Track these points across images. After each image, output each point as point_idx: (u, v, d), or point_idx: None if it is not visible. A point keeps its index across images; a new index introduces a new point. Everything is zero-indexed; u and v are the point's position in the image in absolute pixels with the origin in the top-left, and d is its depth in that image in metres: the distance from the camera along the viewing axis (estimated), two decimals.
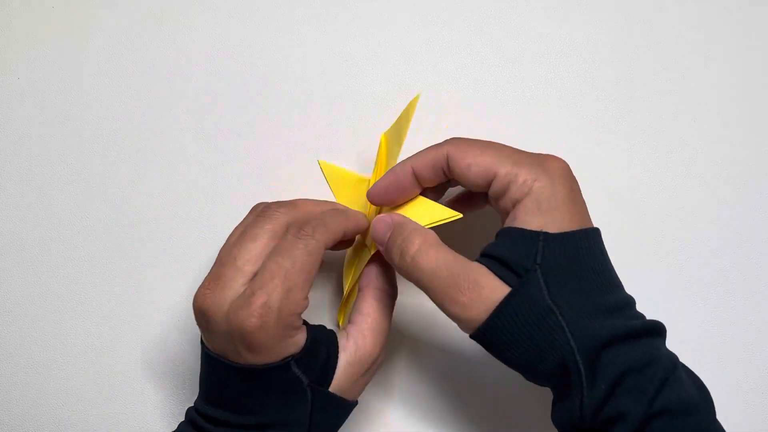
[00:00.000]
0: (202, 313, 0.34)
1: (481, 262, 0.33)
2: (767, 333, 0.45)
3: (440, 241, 0.35)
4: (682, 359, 0.43)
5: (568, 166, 0.34)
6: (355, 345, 0.36)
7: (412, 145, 0.46)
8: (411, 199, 0.38)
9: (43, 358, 0.44)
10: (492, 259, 0.33)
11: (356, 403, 0.37)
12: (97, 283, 0.45)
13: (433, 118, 0.46)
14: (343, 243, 0.40)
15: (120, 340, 0.44)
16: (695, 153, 0.46)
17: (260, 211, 0.36)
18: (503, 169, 0.34)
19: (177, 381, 0.44)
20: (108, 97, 0.47)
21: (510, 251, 0.32)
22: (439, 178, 0.37)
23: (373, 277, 0.38)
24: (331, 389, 0.35)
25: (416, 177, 0.37)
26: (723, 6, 0.48)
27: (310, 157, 0.46)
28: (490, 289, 0.32)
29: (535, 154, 0.35)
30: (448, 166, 0.36)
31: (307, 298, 0.34)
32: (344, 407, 0.36)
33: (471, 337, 0.33)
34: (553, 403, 0.33)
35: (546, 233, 0.32)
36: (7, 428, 0.44)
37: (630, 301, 0.33)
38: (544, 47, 0.47)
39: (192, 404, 0.37)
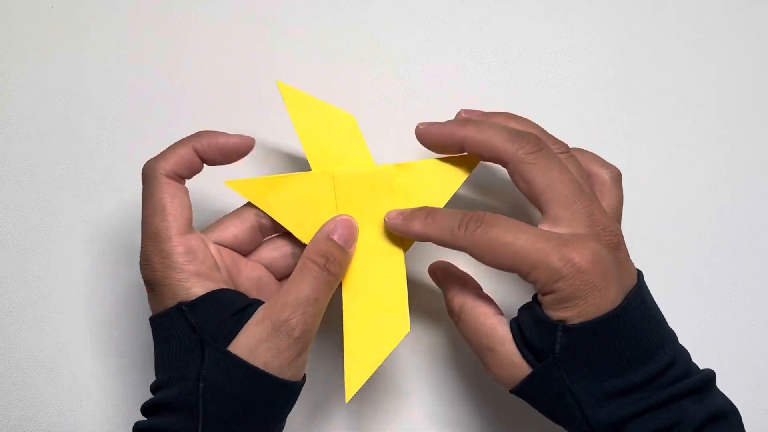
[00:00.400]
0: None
1: (512, 330, 0.35)
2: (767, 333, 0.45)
3: (480, 293, 0.37)
4: None
5: (592, 254, 0.32)
6: (266, 306, 0.34)
7: (414, 140, 0.46)
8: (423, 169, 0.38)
9: (43, 358, 0.44)
10: (521, 333, 0.34)
11: (283, 381, 0.33)
12: (99, 282, 0.45)
13: (433, 118, 0.46)
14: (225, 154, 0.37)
15: (122, 339, 0.44)
16: (695, 153, 0.46)
17: (147, 175, 0.37)
18: (523, 272, 0.33)
19: None
20: (108, 97, 0.47)
21: (532, 334, 0.33)
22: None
23: (309, 248, 0.36)
24: (230, 348, 0.33)
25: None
26: (723, 6, 0.48)
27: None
28: (510, 366, 0.34)
29: (557, 246, 0.32)
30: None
31: (185, 229, 0.35)
32: (256, 376, 0.32)
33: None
34: None
35: (564, 325, 0.32)
36: (6, 428, 0.44)
37: (664, 366, 0.33)
38: (544, 47, 0.47)
39: None
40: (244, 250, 0.38)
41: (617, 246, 0.34)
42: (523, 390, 0.34)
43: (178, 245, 0.34)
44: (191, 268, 0.34)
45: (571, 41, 0.47)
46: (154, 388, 0.35)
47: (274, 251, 0.39)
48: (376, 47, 0.47)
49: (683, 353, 0.34)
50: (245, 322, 0.33)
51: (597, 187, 0.38)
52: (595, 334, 0.32)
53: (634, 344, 0.32)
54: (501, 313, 0.36)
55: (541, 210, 0.34)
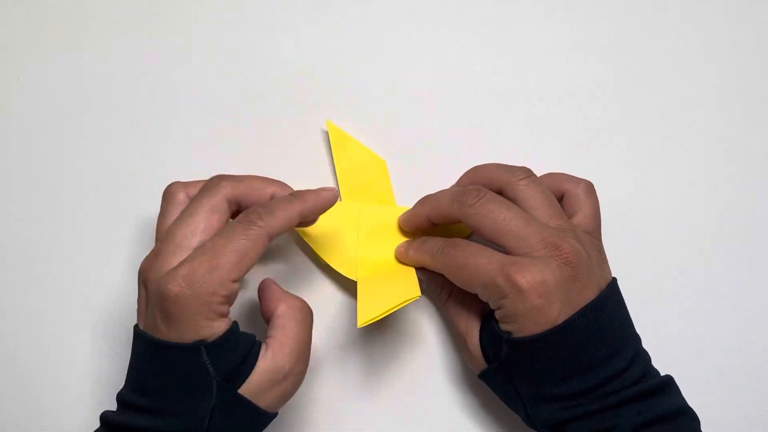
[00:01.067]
0: (141, 281, 0.36)
1: (481, 329, 0.39)
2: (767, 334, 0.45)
3: (460, 301, 0.41)
4: (681, 361, 0.44)
5: (535, 275, 0.34)
6: (272, 352, 0.36)
7: (415, 140, 0.46)
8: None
9: (44, 358, 0.44)
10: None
11: (274, 414, 0.37)
12: (100, 283, 0.45)
13: (434, 117, 0.46)
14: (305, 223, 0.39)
15: (124, 339, 0.44)
16: (695, 153, 0.46)
17: (204, 185, 0.38)
18: (477, 290, 0.37)
19: None
20: (108, 97, 0.47)
21: (487, 340, 0.38)
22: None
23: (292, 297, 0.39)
24: (241, 391, 0.35)
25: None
26: (723, 6, 0.48)
27: (308, 158, 0.46)
28: (477, 359, 0.39)
29: (504, 266, 0.35)
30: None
31: (236, 283, 0.34)
32: (255, 414, 0.35)
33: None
34: None
35: (508, 338, 0.36)
36: (6, 428, 0.44)
37: (609, 376, 0.35)
38: (544, 47, 0.47)
39: None
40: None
41: (574, 265, 0.35)
42: (483, 378, 0.39)
43: (227, 290, 0.34)
44: (223, 310, 0.35)
45: (571, 41, 0.47)
46: (145, 408, 0.34)
47: None
48: (376, 47, 0.47)
49: (639, 363, 0.36)
50: (252, 364, 0.35)
51: (571, 201, 0.40)
52: (534, 348, 0.35)
53: (574, 358, 0.35)
54: (484, 306, 0.39)
55: (502, 246, 0.37)
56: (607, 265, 0.38)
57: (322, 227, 0.42)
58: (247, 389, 0.35)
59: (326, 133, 0.45)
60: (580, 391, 0.35)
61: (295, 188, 0.40)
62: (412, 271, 0.41)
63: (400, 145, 0.46)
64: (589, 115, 0.47)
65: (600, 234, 0.40)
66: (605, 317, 0.36)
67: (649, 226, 0.46)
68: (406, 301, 0.37)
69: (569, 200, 0.40)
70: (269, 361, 0.36)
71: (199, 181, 0.39)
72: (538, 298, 0.34)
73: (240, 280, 0.35)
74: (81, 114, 0.47)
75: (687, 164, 0.46)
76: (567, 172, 0.41)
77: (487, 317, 0.38)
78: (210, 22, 0.47)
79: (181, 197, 0.38)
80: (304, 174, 0.45)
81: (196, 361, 0.34)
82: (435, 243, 0.40)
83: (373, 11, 0.48)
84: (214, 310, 0.34)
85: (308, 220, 0.38)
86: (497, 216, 0.37)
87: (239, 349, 0.35)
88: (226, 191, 0.37)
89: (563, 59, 0.47)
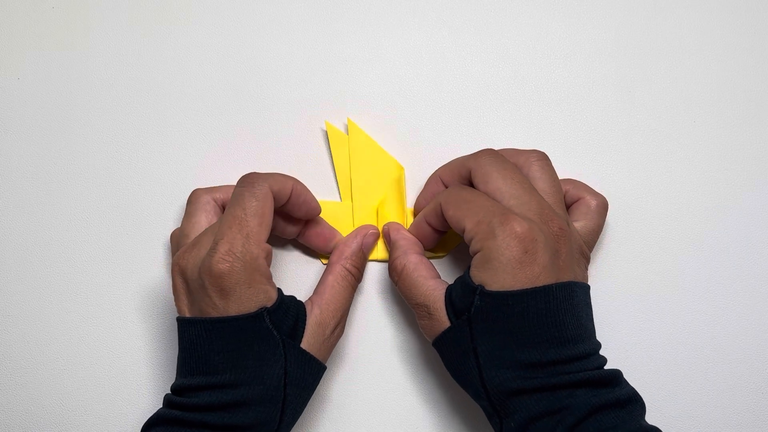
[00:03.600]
0: (180, 272, 0.37)
1: (446, 294, 0.38)
2: (767, 334, 0.45)
3: (422, 258, 0.41)
4: (680, 361, 0.44)
5: (530, 230, 0.35)
6: (319, 308, 0.39)
7: (415, 140, 0.46)
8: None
9: (43, 358, 0.44)
10: (450, 296, 0.38)
11: (326, 367, 0.39)
12: (100, 282, 0.45)
13: (433, 117, 0.46)
14: (299, 211, 0.41)
15: (123, 339, 0.44)
16: (695, 154, 0.46)
17: (243, 181, 0.38)
18: (468, 225, 0.37)
19: None
20: (108, 97, 0.47)
21: (457, 296, 0.37)
22: (445, 224, 0.41)
23: (344, 256, 0.42)
24: (303, 345, 0.38)
25: (432, 227, 0.41)
26: (723, 6, 0.48)
27: (308, 158, 0.46)
28: (438, 323, 0.38)
29: (505, 212, 0.36)
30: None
31: (267, 244, 0.37)
32: (317, 367, 0.38)
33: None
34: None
35: (482, 289, 0.35)
36: (6, 428, 0.44)
37: (573, 356, 0.35)
38: (544, 47, 0.47)
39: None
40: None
41: (561, 243, 0.36)
42: (438, 343, 0.38)
43: (264, 251, 0.37)
44: (269, 273, 0.37)
45: (571, 41, 0.47)
46: (216, 385, 0.36)
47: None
48: (376, 47, 0.47)
49: (599, 357, 0.36)
50: (303, 324, 0.38)
51: (582, 209, 0.41)
52: (508, 304, 0.35)
53: (544, 326, 0.35)
54: (439, 277, 0.40)
55: (503, 202, 0.37)
56: (587, 273, 0.39)
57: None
58: (306, 345, 0.38)
59: (327, 133, 0.46)
60: (542, 362, 0.34)
61: None
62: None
63: (400, 145, 0.46)
64: (589, 115, 0.47)
65: (590, 249, 0.41)
66: (579, 303, 0.36)
67: (649, 226, 0.46)
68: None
69: (580, 207, 0.41)
70: (317, 316, 0.39)
71: (224, 186, 0.42)
72: (525, 252, 0.35)
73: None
74: (81, 114, 0.47)
75: (687, 165, 0.46)
76: (587, 184, 0.42)
77: (457, 279, 0.38)
78: (210, 21, 0.47)
79: (206, 199, 0.41)
80: (304, 175, 0.45)
81: (262, 327, 0.36)
82: (445, 189, 0.40)
83: (373, 12, 0.48)
84: (264, 273, 0.37)
85: (292, 201, 0.40)
86: (508, 173, 0.38)
87: (291, 310, 0.38)
88: (266, 186, 0.38)
89: (563, 59, 0.47)
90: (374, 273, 0.45)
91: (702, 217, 0.46)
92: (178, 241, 0.40)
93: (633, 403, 0.35)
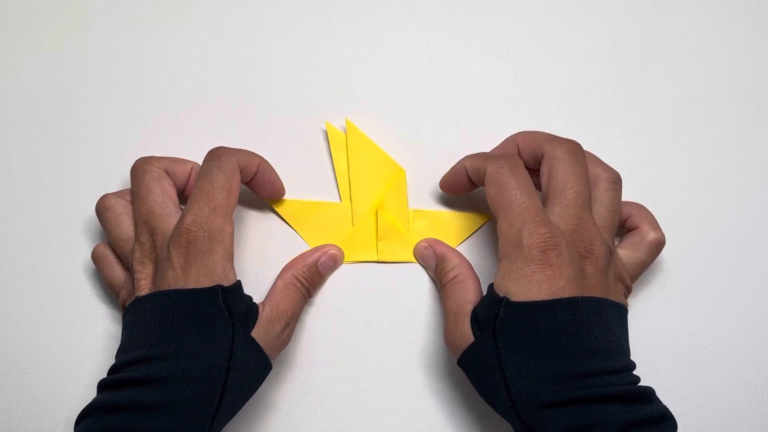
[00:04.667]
0: (151, 238, 0.38)
1: (473, 310, 0.38)
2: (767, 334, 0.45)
3: (466, 279, 0.40)
4: (679, 361, 0.44)
5: (555, 240, 0.35)
6: (270, 308, 0.39)
7: (415, 141, 0.46)
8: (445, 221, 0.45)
9: (43, 358, 0.44)
10: (476, 311, 0.38)
11: (271, 366, 0.39)
12: (100, 282, 0.45)
13: (433, 117, 0.46)
14: (266, 186, 0.42)
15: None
16: (695, 154, 0.46)
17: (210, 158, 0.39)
18: (501, 222, 0.36)
19: None
20: (108, 97, 0.47)
21: (482, 310, 0.37)
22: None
23: (297, 266, 0.42)
24: (252, 335, 0.37)
25: (469, 178, 0.41)
26: (723, 6, 0.48)
27: (308, 158, 0.46)
28: (464, 338, 0.37)
29: (537, 221, 0.35)
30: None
31: (231, 217, 0.38)
32: (263, 360, 0.38)
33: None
34: None
35: (507, 300, 0.35)
36: (6, 428, 0.44)
37: (605, 370, 0.34)
38: (544, 47, 0.47)
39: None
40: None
41: (584, 258, 0.36)
42: (463, 360, 0.37)
43: (230, 225, 0.38)
44: (232, 251, 0.38)
45: (571, 41, 0.47)
46: (157, 357, 0.35)
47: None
48: (376, 48, 0.47)
49: (632, 375, 0.36)
50: (254, 317, 0.38)
51: (634, 239, 0.40)
52: (534, 315, 0.34)
53: (573, 338, 0.34)
54: (481, 294, 0.39)
55: (545, 199, 0.37)
56: (625, 301, 0.39)
57: (319, 226, 0.45)
58: (254, 335, 0.37)
59: (327, 134, 0.46)
60: (572, 374, 0.33)
61: (295, 188, 0.43)
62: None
63: (400, 146, 0.46)
64: (588, 115, 0.47)
65: (633, 279, 0.40)
66: (609, 320, 0.35)
67: None
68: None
69: (634, 236, 0.41)
70: (267, 314, 0.39)
71: (163, 158, 0.42)
72: (549, 265, 0.34)
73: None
74: (81, 114, 0.47)
75: (687, 165, 0.46)
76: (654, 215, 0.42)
77: (484, 295, 0.38)
78: (210, 21, 0.47)
79: (155, 168, 0.41)
80: (304, 175, 0.45)
81: (214, 304, 0.36)
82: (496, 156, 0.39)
83: (373, 12, 0.48)
84: (226, 249, 0.37)
85: (258, 177, 0.41)
86: (574, 183, 0.37)
87: (246, 300, 0.38)
88: (233, 161, 0.39)
89: (563, 59, 0.47)
90: (373, 275, 0.45)
91: (702, 217, 0.46)
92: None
93: (665, 421, 0.34)
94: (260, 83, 0.47)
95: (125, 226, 0.40)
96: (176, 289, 0.36)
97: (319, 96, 0.46)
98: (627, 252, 0.40)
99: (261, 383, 0.38)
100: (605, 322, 0.35)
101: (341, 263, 0.44)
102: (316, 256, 0.43)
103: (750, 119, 0.47)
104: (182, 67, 0.47)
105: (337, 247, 0.44)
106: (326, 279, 0.44)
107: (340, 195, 0.45)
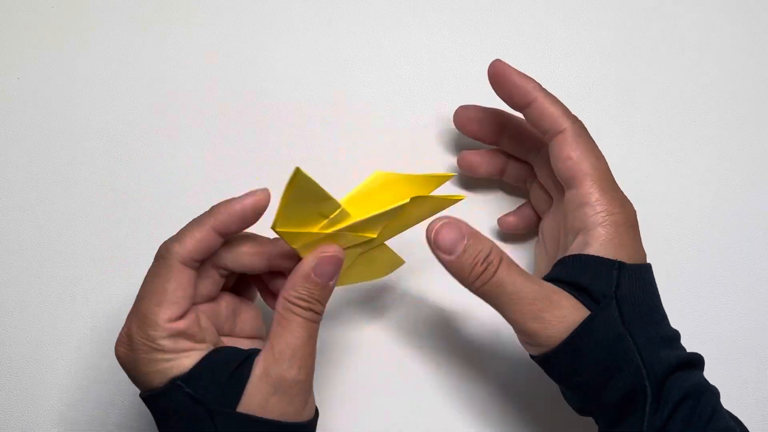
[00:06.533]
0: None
1: (557, 285, 0.34)
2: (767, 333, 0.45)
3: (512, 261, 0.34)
4: None
5: (632, 212, 0.36)
6: (272, 353, 0.33)
7: (415, 139, 0.46)
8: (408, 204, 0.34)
9: (43, 358, 0.44)
10: (566, 284, 0.34)
11: (305, 423, 0.33)
12: (98, 283, 0.45)
13: (433, 117, 0.46)
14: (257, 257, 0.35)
15: None
16: (695, 154, 0.46)
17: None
18: (595, 189, 0.35)
19: None
20: (108, 97, 0.47)
21: (590, 277, 0.33)
22: (522, 149, 0.41)
23: (285, 287, 0.34)
24: (241, 409, 0.32)
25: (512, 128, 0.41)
26: (723, 6, 0.48)
27: (308, 158, 0.46)
28: (571, 311, 0.33)
29: (616, 190, 0.36)
30: (548, 149, 0.37)
31: (181, 320, 0.32)
32: (268, 428, 0.32)
33: (537, 357, 0.34)
34: None
35: (621, 263, 0.34)
36: (6, 428, 0.44)
37: (678, 335, 0.35)
38: (544, 47, 0.47)
39: None
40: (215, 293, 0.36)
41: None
42: (578, 336, 0.32)
43: (165, 331, 0.32)
44: (178, 346, 0.32)
45: (571, 41, 0.47)
46: None
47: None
48: (376, 48, 0.47)
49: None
50: (247, 377, 0.32)
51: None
52: (644, 279, 0.34)
53: (660, 303, 0.35)
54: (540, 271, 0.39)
55: (577, 185, 0.36)
56: None
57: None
58: (246, 404, 0.32)
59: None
60: (673, 337, 0.34)
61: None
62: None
63: (401, 146, 0.46)
64: (589, 115, 0.47)
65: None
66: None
67: (648, 227, 0.45)
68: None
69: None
70: (259, 368, 0.32)
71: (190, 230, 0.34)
72: (636, 229, 0.36)
73: (180, 317, 0.32)
74: (81, 114, 0.47)
75: (687, 165, 0.46)
76: None
77: (569, 261, 0.35)
78: (210, 22, 0.47)
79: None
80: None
81: (180, 397, 0.32)
82: None
83: (373, 12, 0.48)
84: (162, 350, 0.32)
85: (232, 231, 0.33)
86: (597, 157, 0.37)
87: (225, 366, 0.32)
88: (172, 259, 0.33)
89: (563, 59, 0.47)
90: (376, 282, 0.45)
91: (702, 217, 0.46)
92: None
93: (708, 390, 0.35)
94: (260, 83, 0.47)
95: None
96: (144, 395, 0.33)
97: (319, 96, 0.47)
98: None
99: None
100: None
101: (342, 263, 0.35)
102: (306, 267, 0.33)
103: (750, 119, 0.47)
104: (182, 67, 0.47)
105: (335, 247, 0.34)
106: (332, 287, 0.34)
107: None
